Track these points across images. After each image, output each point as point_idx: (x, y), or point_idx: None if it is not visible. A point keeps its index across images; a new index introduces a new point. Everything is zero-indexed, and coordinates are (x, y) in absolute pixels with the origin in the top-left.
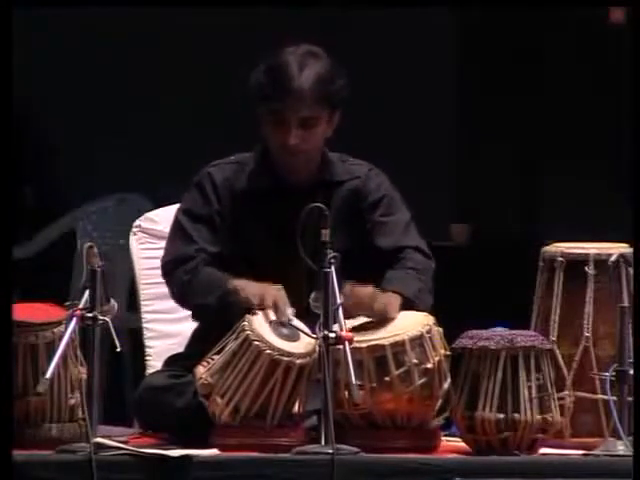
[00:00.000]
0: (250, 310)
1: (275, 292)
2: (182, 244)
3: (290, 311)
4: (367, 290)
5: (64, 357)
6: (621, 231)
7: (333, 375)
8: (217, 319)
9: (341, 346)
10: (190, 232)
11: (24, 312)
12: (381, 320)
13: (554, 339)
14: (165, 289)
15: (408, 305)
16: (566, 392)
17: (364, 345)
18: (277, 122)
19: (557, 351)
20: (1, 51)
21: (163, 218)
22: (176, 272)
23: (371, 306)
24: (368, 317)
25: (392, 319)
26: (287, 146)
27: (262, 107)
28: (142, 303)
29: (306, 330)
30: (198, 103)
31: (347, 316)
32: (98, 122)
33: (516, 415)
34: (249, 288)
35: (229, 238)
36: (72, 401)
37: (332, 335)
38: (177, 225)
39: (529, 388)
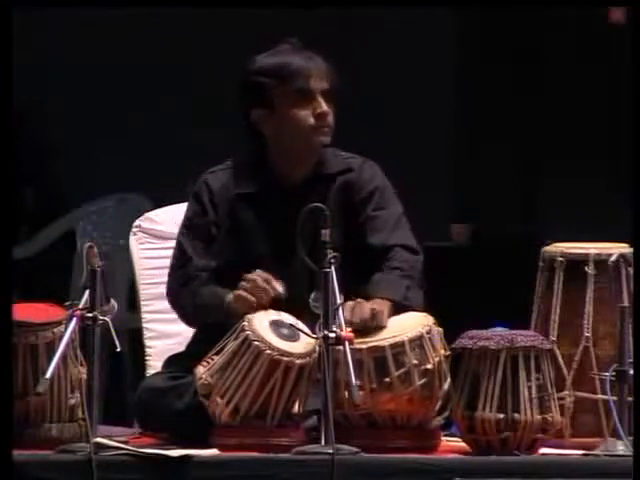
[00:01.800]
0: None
1: (260, 275)
2: (183, 267)
3: (280, 287)
4: (350, 305)
5: (64, 357)
6: (621, 231)
7: (333, 375)
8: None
9: (341, 346)
10: (189, 253)
11: (24, 312)
12: (373, 330)
13: (554, 339)
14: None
15: (399, 308)
16: (566, 392)
17: (364, 346)
18: (303, 100)
19: (557, 351)
20: (1, 51)
21: (163, 218)
22: (180, 297)
23: (361, 323)
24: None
25: (384, 327)
26: (321, 116)
27: (283, 89)
28: (142, 303)
29: (306, 330)
30: (198, 103)
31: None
32: (98, 122)
33: (516, 415)
34: (240, 290)
35: (229, 243)
36: (72, 401)
37: (332, 335)
38: (178, 246)
39: (529, 388)
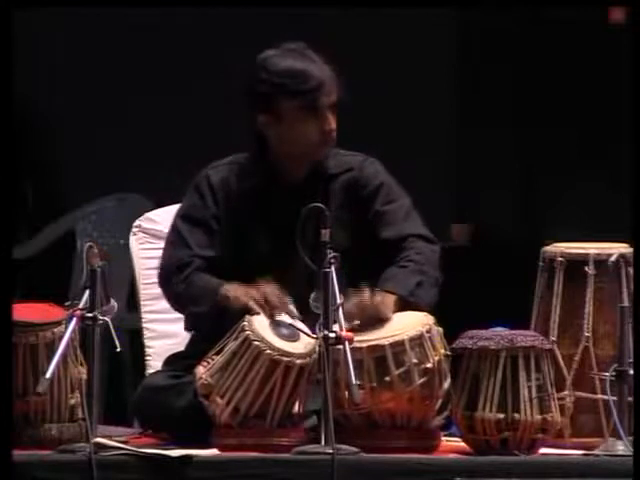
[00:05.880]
0: (247, 312)
1: (264, 289)
2: (178, 251)
3: (291, 306)
4: (358, 298)
5: (64, 357)
6: (621, 231)
7: (333, 375)
8: (212, 326)
9: (341, 346)
10: (186, 238)
11: (24, 312)
12: (376, 322)
13: (554, 339)
14: None
15: (405, 304)
16: (566, 392)
17: (364, 345)
18: (311, 115)
19: (557, 351)
20: (1, 51)
21: (163, 218)
22: (171, 281)
23: (364, 312)
24: (363, 322)
25: (387, 319)
26: (328, 133)
27: (287, 104)
28: (142, 303)
29: (306, 330)
30: (199, 103)
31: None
32: (98, 122)
33: (516, 415)
34: (237, 291)
35: (228, 239)
36: (72, 401)
37: (332, 335)
38: (174, 231)
39: (529, 388)
